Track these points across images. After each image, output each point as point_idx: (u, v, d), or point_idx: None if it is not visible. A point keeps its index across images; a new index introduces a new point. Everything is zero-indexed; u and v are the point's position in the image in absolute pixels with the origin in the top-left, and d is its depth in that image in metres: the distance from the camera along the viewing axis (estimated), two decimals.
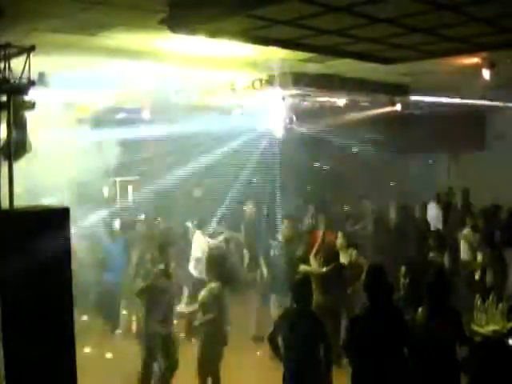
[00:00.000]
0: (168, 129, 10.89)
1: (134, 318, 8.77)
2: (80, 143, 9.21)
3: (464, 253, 9.15)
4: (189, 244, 9.94)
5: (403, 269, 6.76)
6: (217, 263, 6.95)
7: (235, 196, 11.84)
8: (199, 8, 4.73)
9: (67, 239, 4.19)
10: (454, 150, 13.47)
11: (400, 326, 5.15)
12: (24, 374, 3.97)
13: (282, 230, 9.33)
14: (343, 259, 8.30)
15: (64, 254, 4.19)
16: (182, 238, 10.30)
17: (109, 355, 8.34)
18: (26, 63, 4.83)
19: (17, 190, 4.49)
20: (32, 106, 4.99)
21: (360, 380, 5.10)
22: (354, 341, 5.15)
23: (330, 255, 8.06)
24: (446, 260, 7.76)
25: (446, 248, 8.12)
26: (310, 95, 9.61)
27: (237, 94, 8.78)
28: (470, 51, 6.70)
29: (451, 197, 12.01)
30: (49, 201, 6.83)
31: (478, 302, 6.68)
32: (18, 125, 4.82)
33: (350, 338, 5.19)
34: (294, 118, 10.01)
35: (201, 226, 9.84)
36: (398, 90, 9.70)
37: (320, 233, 8.99)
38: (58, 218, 4.16)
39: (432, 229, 10.27)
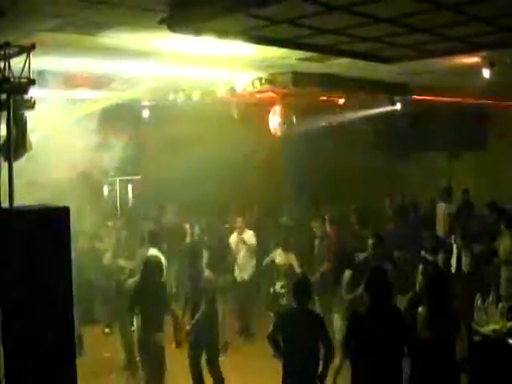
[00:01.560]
0: (168, 129, 10.91)
1: None
2: (80, 141, 9.23)
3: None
4: None
5: (421, 267, 6.75)
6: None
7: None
8: (199, 7, 4.73)
9: (67, 238, 4.18)
10: (455, 149, 13.46)
11: (400, 325, 5.15)
12: (24, 374, 3.98)
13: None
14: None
15: (64, 254, 4.19)
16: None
17: None
18: (25, 62, 4.83)
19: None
20: (32, 105, 5.00)
21: (360, 380, 5.10)
22: (354, 340, 5.15)
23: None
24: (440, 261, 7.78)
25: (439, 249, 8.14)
26: (309, 94, 9.60)
27: (237, 94, 8.77)
28: (470, 50, 6.70)
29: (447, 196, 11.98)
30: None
31: (478, 302, 6.71)
32: (17, 124, 4.83)
33: (349, 337, 5.19)
34: (294, 118, 9.99)
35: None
36: (397, 89, 9.69)
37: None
38: (58, 218, 4.16)
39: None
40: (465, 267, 8.65)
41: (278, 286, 8.62)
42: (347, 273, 7.49)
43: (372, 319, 5.11)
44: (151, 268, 6.77)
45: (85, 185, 9.77)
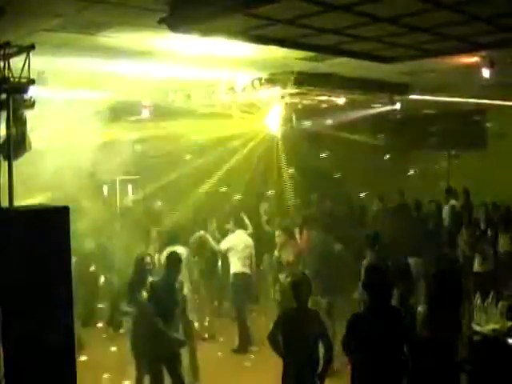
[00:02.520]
0: (168, 129, 10.89)
1: None
2: (80, 142, 9.24)
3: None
4: None
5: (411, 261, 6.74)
6: None
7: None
8: (199, 7, 4.73)
9: (67, 238, 4.18)
10: (455, 148, 13.48)
11: (400, 325, 5.14)
12: (23, 375, 3.97)
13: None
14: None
15: (64, 253, 4.19)
16: None
17: None
18: (25, 62, 4.83)
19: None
20: (32, 104, 5.00)
21: (360, 380, 5.10)
22: (354, 340, 5.13)
23: None
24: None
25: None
26: (309, 94, 9.60)
27: (236, 94, 8.76)
28: (470, 50, 6.70)
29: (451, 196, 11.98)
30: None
31: (478, 302, 6.71)
32: (17, 123, 4.83)
33: (349, 337, 5.18)
34: (294, 117, 9.99)
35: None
36: (397, 88, 9.68)
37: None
38: (58, 218, 4.15)
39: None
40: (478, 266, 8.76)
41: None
42: (366, 260, 7.56)
43: (372, 319, 5.10)
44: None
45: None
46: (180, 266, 6.71)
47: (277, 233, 9.24)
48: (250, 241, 9.32)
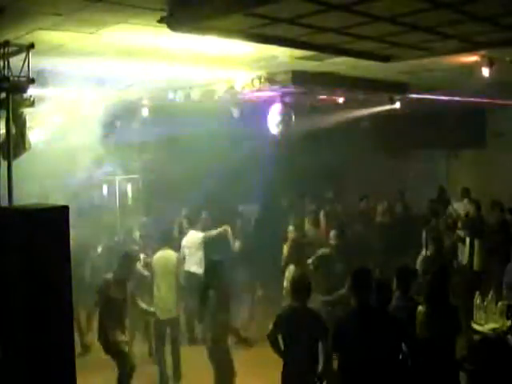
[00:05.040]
0: (167, 128, 10.89)
1: None
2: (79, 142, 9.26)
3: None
4: None
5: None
6: None
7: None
8: (199, 6, 4.73)
9: (67, 238, 4.17)
10: (454, 147, 13.47)
11: (391, 327, 5.06)
12: (23, 374, 3.97)
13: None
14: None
15: (63, 253, 4.18)
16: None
17: None
18: (25, 61, 4.83)
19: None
20: (31, 103, 5.00)
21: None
22: (340, 343, 5.07)
23: None
24: None
25: None
26: (309, 93, 9.60)
27: (236, 92, 8.76)
28: (470, 49, 6.70)
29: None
30: None
31: (478, 301, 6.71)
32: (17, 123, 4.83)
33: (335, 340, 5.12)
34: (293, 116, 9.98)
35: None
36: (397, 88, 9.69)
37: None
38: (58, 217, 4.15)
39: None
40: (476, 265, 8.78)
41: None
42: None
43: (357, 321, 5.01)
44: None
45: None
46: (130, 265, 7.24)
47: (290, 228, 9.28)
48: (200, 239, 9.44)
